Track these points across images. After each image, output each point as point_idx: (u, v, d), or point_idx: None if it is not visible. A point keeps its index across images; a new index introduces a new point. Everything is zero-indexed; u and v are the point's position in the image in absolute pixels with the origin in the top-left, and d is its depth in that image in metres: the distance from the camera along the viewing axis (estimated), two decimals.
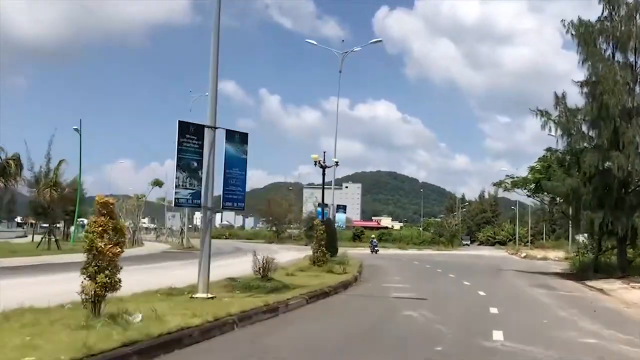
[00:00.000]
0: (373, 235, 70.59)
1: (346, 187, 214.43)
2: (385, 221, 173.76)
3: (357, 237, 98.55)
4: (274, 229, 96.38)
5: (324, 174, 31.06)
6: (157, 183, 56.52)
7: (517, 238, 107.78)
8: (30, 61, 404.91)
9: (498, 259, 57.11)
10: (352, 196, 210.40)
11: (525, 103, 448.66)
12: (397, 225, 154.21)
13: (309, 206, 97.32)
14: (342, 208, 43.17)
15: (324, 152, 30.85)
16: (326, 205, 40.78)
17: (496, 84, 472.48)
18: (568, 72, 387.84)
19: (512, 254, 75.21)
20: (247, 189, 16.13)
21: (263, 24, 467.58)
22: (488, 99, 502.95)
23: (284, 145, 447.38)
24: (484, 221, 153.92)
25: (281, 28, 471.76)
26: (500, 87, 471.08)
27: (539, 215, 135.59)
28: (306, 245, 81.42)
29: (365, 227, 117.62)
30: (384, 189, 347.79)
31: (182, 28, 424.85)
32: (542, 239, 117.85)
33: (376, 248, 63.42)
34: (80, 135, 48.97)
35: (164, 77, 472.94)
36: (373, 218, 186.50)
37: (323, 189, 31.38)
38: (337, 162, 31.29)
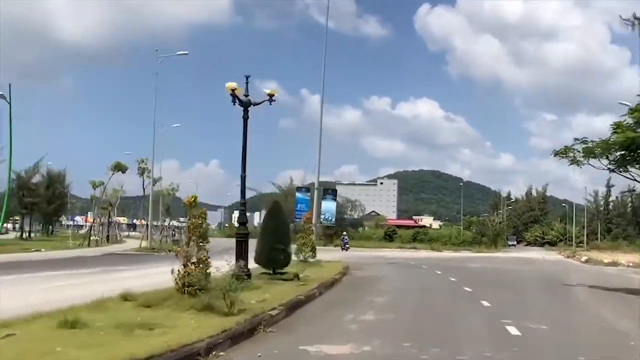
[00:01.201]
0: (344, 233, 62.30)
1: (381, 183, 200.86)
2: (427, 221, 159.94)
3: (389, 236, 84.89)
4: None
5: (246, 115, 17.05)
6: (119, 167, 43.99)
7: (573, 238, 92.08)
8: (76, 64, 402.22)
9: (554, 265, 42.78)
10: (387, 193, 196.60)
11: (572, 100, 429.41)
12: (438, 225, 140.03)
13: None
14: (330, 194, 29.99)
15: (247, 79, 16.92)
16: (307, 189, 28.13)
17: (542, 81, 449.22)
18: (616, 69, 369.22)
19: (568, 257, 60.28)
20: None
21: (303, 23, 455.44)
22: (533, 97, 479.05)
23: (326, 145, 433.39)
24: (531, 220, 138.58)
25: (321, 28, 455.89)
26: (546, 85, 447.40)
27: (592, 214, 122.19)
28: (325, 246, 68.77)
29: (400, 226, 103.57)
30: (426, 188, 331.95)
31: (223, 29, 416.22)
32: (597, 239, 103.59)
33: (347, 245, 57.93)
34: (10, 107, 36.72)
35: (205, 78, 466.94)
36: (414, 217, 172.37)
37: (244, 151, 17.22)
38: (272, 96, 17.45)
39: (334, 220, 27.73)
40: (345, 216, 79.21)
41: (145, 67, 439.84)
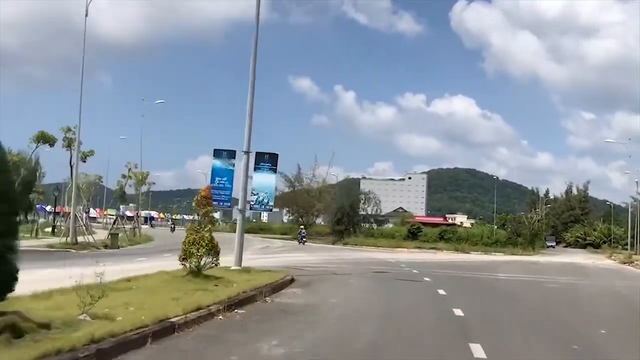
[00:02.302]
0: (302, 227, 60.14)
1: (409, 177, 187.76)
2: (461, 219, 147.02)
3: (412, 234, 72.64)
4: (300, 221, 72.23)
5: None
6: (45, 138, 32.47)
7: (636, 240, 77.67)
8: (114, 59, 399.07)
9: (617, 276, 30.31)
10: (415, 188, 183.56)
11: (611, 98, 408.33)
12: (470, 224, 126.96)
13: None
14: (268, 161, 18.04)
15: None
16: (230, 153, 16.80)
17: (580, 78, 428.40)
18: None
19: (624, 263, 47.28)
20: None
21: (338, 20, 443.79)
22: (571, 94, 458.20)
23: (359, 142, 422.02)
24: (571, 220, 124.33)
25: (356, 24, 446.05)
26: (584, 82, 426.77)
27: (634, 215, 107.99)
28: (333, 244, 57.06)
29: (427, 224, 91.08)
30: (461, 187, 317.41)
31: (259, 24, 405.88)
32: None
33: (304, 239, 55.72)
34: None
35: (240, 74, 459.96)
36: (447, 216, 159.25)
37: None
38: None
39: (271, 203, 16.09)
40: (362, 212, 67.07)
41: (179, 62, 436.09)
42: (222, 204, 18.29)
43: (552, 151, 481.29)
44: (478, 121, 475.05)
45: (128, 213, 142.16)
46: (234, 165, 17.94)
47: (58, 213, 60.95)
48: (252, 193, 17.65)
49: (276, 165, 17.84)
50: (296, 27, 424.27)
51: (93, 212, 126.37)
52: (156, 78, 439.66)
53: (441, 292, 16.32)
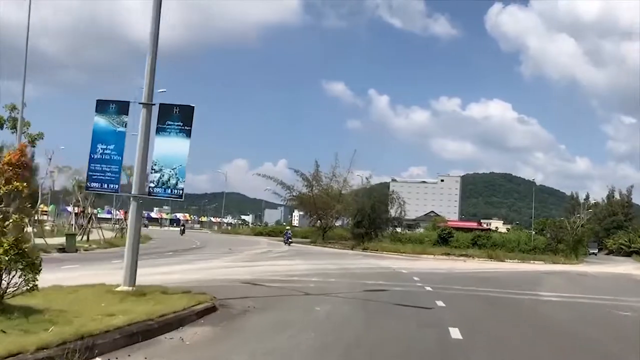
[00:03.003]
0: (288, 227, 62.73)
1: (442, 180, 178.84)
2: (497, 225, 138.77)
3: (443, 240, 65.41)
4: (319, 224, 65.51)
5: None
6: None
7: None
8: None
9: None
10: (448, 191, 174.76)
11: None
12: (506, 229, 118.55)
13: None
14: (174, 119, 11.78)
15: None
16: (118, 106, 10.26)
17: (620, 82, 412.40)
18: None
19: None
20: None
21: (372, 23, 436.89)
22: (611, 98, 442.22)
23: (393, 147, 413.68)
24: (614, 226, 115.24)
25: (391, 27, 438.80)
26: (624, 85, 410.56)
27: None
28: (352, 250, 50.45)
29: (459, 228, 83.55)
30: (497, 192, 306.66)
31: (292, 28, 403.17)
32: None
33: (290, 240, 54.96)
34: None
35: (276, 77, 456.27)
36: (482, 221, 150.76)
37: None
38: None
39: (181, 185, 9.87)
40: (385, 214, 59.60)
41: (215, 67, 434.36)
42: (106, 186, 11.20)
43: (590, 156, 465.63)
44: (514, 125, 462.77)
45: (153, 215, 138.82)
46: (126, 126, 11.32)
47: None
48: (152, 169, 10.96)
49: (191, 125, 10.87)
50: (330, 31, 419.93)
51: (109, 213, 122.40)
52: (194, 81, 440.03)
53: (455, 333, 9.52)
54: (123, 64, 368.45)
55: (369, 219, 54.46)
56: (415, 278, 21.02)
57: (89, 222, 40.68)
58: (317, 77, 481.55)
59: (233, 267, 21.03)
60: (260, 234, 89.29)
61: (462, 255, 48.83)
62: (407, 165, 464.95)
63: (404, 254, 46.88)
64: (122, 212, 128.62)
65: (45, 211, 66.12)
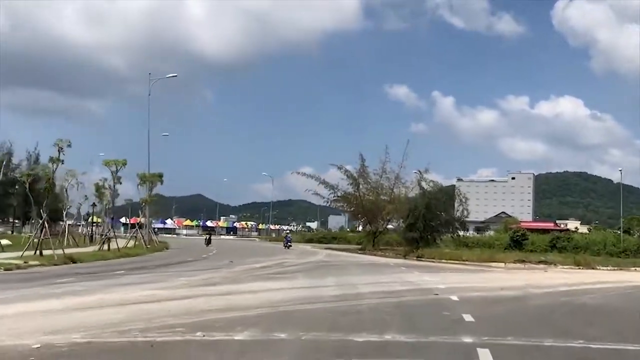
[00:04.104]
0: (287, 231, 59.54)
1: (513, 178, 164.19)
2: (573, 225, 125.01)
3: (516, 243, 54.32)
4: (368, 228, 55.60)
5: None
6: None
7: None
8: (215, 75, 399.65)
9: None
10: (520, 190, 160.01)
11: None
12: (587, 229, 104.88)
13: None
14: None
15: None
16: None
17: None
18: None
19: None
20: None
21: (433, 24, 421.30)
22: None
23: (460, 149, 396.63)
24: None
25: (453, 27, 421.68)
26: None
27: None
28: (405, 258, 40.56)
29: (534, 230, 71.83)
30: (572, 192, 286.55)
31: (353, 34, 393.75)
32: None
33: (289, 243, 55.04)
34: None
35: (337, 83, 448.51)
36: (558, 221, 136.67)
37: None
38: None
39: None
40: (445, 215, 48.48)
41: (276, 75, 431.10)
42: None
43: None
44: (587, 122, 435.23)
45: (209, 223, 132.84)
46: None
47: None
48: None
49: None
50: (391, 34, 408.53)
51: (163, 223, 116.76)
52: (255, 91, 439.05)
53: None
54: (186, 76, 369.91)
55: (423, 221, 44.23)
56: (467, 318, 11.18)
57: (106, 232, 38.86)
58: (380, 81, 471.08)
59: (163, 301, 12.01)
60: (310, 240, 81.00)
61: (540, 262, 37.92)
62: (475, 167, 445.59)
63: (467, 263, 36.62)
64: (177, 221, 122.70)
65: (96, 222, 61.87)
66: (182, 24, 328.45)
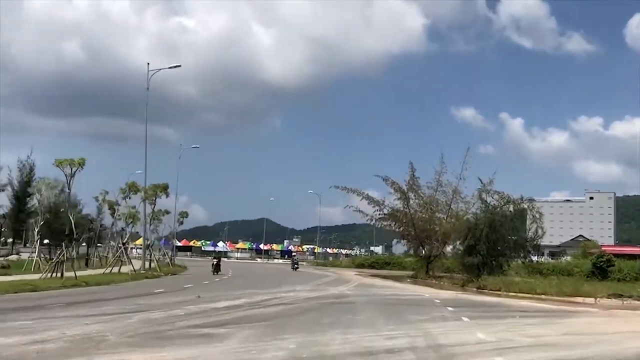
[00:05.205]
0: (294, 253, 61.92)
1: (591, 198, 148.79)
2: None
3: (601, 270, 43.59)
4: (420, 252, 45.88)
5: None
6: None
7: None
8: (282, 101, 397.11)
9: None
10: (599, 211, 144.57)
11: None
12: None
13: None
14: None
15: None
16: None
17: None
18: None
19: None
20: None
21: (500, 45, 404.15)
22: None
23: (530, 171, 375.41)
24: None
25: (520, 48, 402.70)
26: None
27: None
28: (463, 289, 30.93)
29: (619, 255, 60.38)
30: None
31: (418, 57, 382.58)
32: None
33: (296, 265, 56.11)
34: None
35: (403, 107, 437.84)
36: None
37: None
38: None
39: None
40: (514, 235, 37.98)
41: (342, 100, 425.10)
42: None
43: None
44: None
45: (291, 248, 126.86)
46: None
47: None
48: None
49: None
50: (457, 56, 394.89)
51: (214, 246, 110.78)
52: (320, 116, 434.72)
53: None
54: (258, 105, 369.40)
55: (486, 242, 34.59)
56: None
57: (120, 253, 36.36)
58: (446, 103, 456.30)
59: None
60: (361, 265, 72.03)
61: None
62: (547, 190, 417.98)
63: (543, 298, 26.98)
64: (229, 244, 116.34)
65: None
66: (251, 53, 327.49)
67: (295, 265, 55.53)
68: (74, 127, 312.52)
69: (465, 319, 15.49)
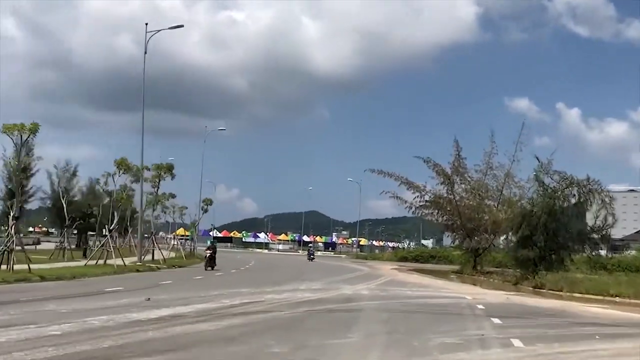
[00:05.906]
0: (310, 245, 64.64)
1: None
2: None
3: None
4: (468, 244, 39.68)
5: None
6: None
7: None
8: (331, 93, 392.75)
9: None
10: None
11: None
12: None
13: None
14: None
15: None
16: None
17: None
18: None
19: None
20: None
21: (556, 34, 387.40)
22: None
23: (588, 163, 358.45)
24: None
25: (577, 37, 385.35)
26: None
27: None
28: (516, 287, 25.14)
29: None
30: None
31: (470, 47, 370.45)
32: None
33: (312, 256, 58.12)
34: None
35: (455, 98, 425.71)
36: None
37: None
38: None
39: None
40: (579, 224, 30.75)
41: (393, 92, 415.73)
42: None
43: None
44: None
45: (336, 240, 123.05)
46: None
47: None
48: None
49: None
50: (511, 46, 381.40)
51: (255, 237, 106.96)
52: (369, 108, 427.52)
53: None
54: (306, 97, 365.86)
55: (544, 233, 28.44)
56: None
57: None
58: (499, 94, 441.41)
59: None
60: (404, 258, 67.14)
61: None
62: (606, 182, 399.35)
63: (617, 301, 21.04)
64: (271, 236, 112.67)
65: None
66: (300, 45, 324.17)
67: (312, 256, 57.86)
68: (124, 120, 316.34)
69: (516, 342, 9.96)
